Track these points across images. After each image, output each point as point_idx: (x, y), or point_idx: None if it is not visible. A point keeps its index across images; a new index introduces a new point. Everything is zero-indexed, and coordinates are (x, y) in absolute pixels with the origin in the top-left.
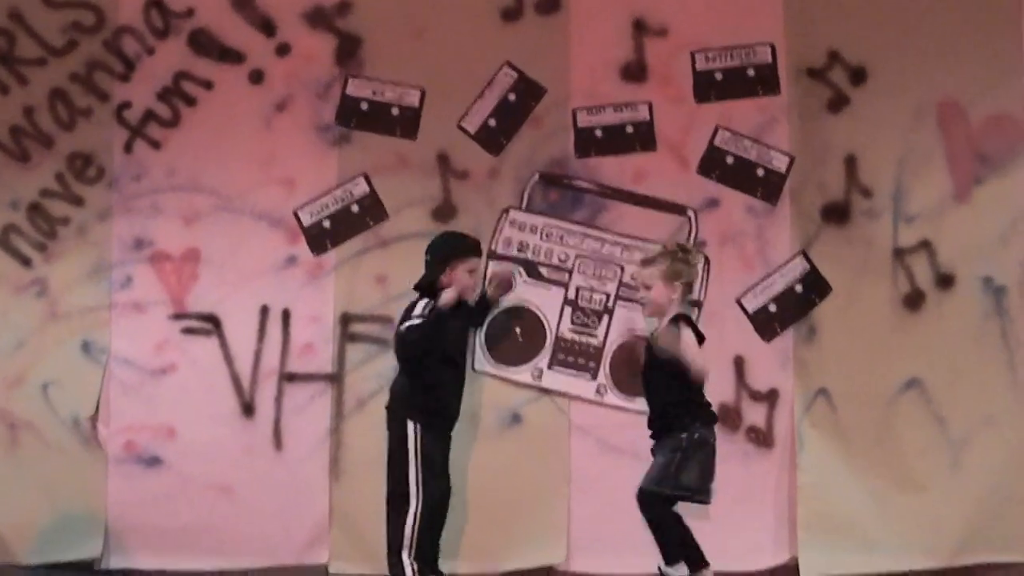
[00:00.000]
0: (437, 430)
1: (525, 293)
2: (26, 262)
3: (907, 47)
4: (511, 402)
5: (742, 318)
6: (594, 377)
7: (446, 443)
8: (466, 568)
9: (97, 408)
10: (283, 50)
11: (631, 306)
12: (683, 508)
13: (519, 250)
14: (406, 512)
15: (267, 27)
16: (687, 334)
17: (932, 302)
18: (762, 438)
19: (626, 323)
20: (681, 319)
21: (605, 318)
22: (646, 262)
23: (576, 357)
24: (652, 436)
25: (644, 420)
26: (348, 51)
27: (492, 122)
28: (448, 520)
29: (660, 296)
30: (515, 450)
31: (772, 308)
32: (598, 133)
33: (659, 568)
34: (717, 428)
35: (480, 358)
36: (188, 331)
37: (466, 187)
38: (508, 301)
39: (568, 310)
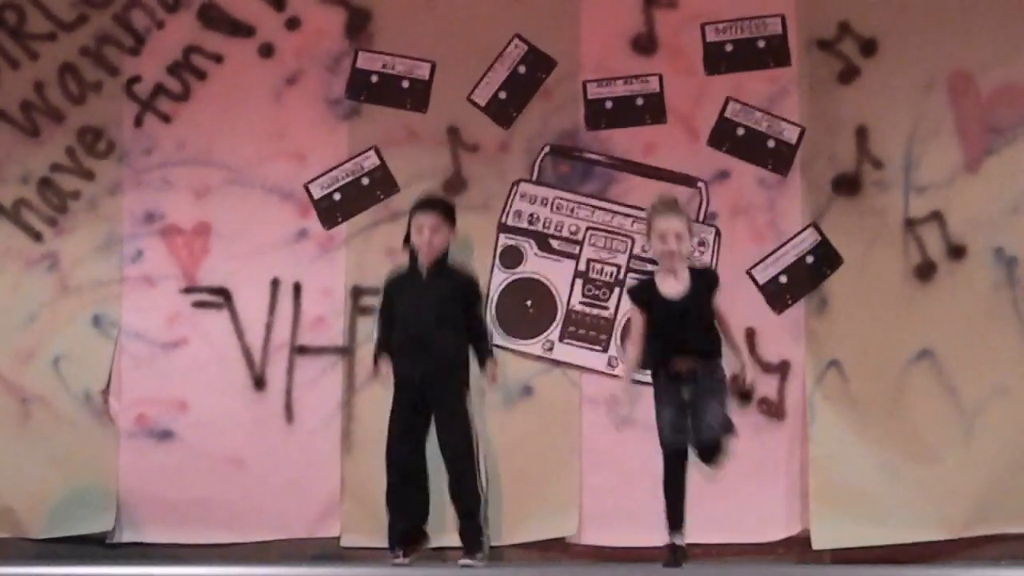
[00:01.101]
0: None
1: (536, 266)
2: (37, 236)
3: (917, 18)
4: (522, 374)
5: (753, 290)
6: (605, 349)
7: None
8: None
9: (108, 382)
10: (293, 24)
11: (642, 278)
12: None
13: (530, 223)
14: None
15: (277, 1)
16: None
17: (943, 273)
18: (773, 410)
19: None
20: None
21: (616, 290)
22: (669, 212)
23: (587, 329)
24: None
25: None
26: (358, 24)
27: (502, 95)
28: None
29: (687, 248)
30: (526, 422)
31: (783, 280)
32: (608, 105)
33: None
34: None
35: (491, 330)
36: (199, 305)
37: (476, 160)
38: (519, 274)
39: (579, 282)
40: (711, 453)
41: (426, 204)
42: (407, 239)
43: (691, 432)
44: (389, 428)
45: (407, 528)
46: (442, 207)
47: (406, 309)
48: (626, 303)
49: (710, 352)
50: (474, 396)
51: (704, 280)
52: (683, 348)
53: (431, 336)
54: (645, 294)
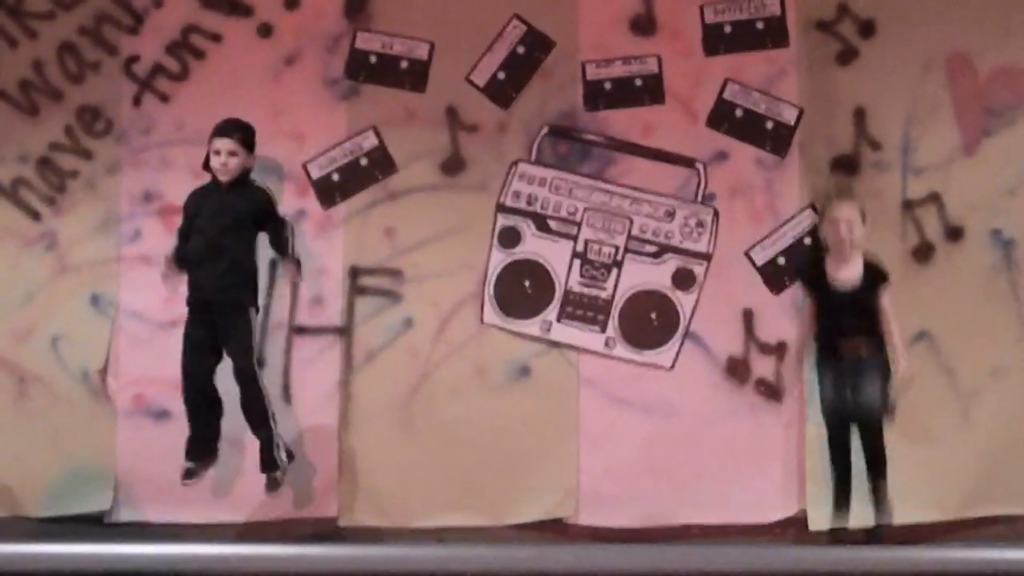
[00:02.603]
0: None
1: (534, 246)
2: (35, 215)
3: (915, 0)
4: (520, 355)
5: (751, 271)
6: (603, 330)
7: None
8: (474, 520)
9: (106, 361)
10: (292, 3)
11: (640, 259)
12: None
13: (528, 203)
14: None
15: None
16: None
17: (941, 254)
18: (771, 391)
19: (635, 276)
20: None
21: (614, 271)
22: (844, 198)
23: (585, 310)
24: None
25: (653, 372)
26: (357, 4)
27: (501, 75)
28: (456, 472)
29: (860, 235)
30: (524, 403)
31: (781, 261)
32: (607, 86)
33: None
34: (725, 381)
35: (488, 310)
36: None
37: (475, 140)
38: (517, 254)
39: (577, 263)
40: (871, 432)
41: (223, 129)
42: (206, 164)
43: (852, 411)
44: (184, 340)
45: (199, 440)
46: (238, 133)
47: (204, 221)
48: (624, 284)
49: (876, 336)
50: (472, 376)
51: (876, 277)
52: (851, 333)
53: (227, 244)
54: (814, 278)
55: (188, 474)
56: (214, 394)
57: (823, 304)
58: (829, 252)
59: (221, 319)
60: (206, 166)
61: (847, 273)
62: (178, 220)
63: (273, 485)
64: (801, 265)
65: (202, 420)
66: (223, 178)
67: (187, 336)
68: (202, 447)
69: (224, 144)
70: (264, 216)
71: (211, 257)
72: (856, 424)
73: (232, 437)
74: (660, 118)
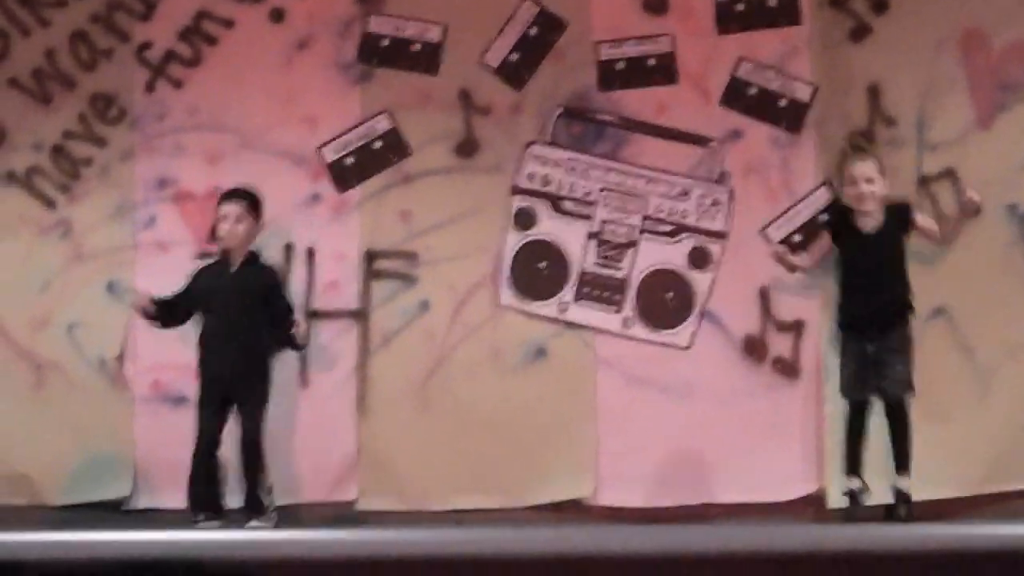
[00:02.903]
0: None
1: (549, 228)
2: (50, 204)
3: None
4: (536, 336)
5: (767, 249)
6: (620, 310)
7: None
8: (493, 503)
9: (123, 348)
10: None
11: (656, 239)
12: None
13: (543, 184)
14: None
15: None
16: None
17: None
18: (788, 369)
19: (651, 256)
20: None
21: (630, 251)
22: (861, 156)
23: (601, 290)
24: (861, 332)
25: (670, 352)
26: None
27: (514, 57)
28: (474, 454)
29: (881, 191)
30: (540, 384)
31: (797, 238)
32: (620, 66)
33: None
34: (743, 359)
35: (505, 292)
36: None
37: (489, 122)
38: (533, 236)
39: (593, 243)
40: (894, 410)
41: (230, 195)
42: (213, 232)
43: (873, 387)
44: (197, 428)
45: (209, 500)
46: (247, 198)
47: (217, 301)
48: (640, 264)
49: (901, 302)
50: (488, 358)
51: (897, 213)
52: (872, 294)
53: (242, 325)
54: (839, 224)
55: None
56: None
57: (846, 258)
58: (853, 210)
59: (238, 399)
60: (212, 237)
61: (870, 219)
62: (192, 206)
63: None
64: (828, 211)
65: (209, 482)
66: (231, 243)
67: (200, 417)
68: (213, 503)
69: (232, 209)
70: (269, 293)
71: (226, 341)
72: (881, 402)
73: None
74: (674, 97)
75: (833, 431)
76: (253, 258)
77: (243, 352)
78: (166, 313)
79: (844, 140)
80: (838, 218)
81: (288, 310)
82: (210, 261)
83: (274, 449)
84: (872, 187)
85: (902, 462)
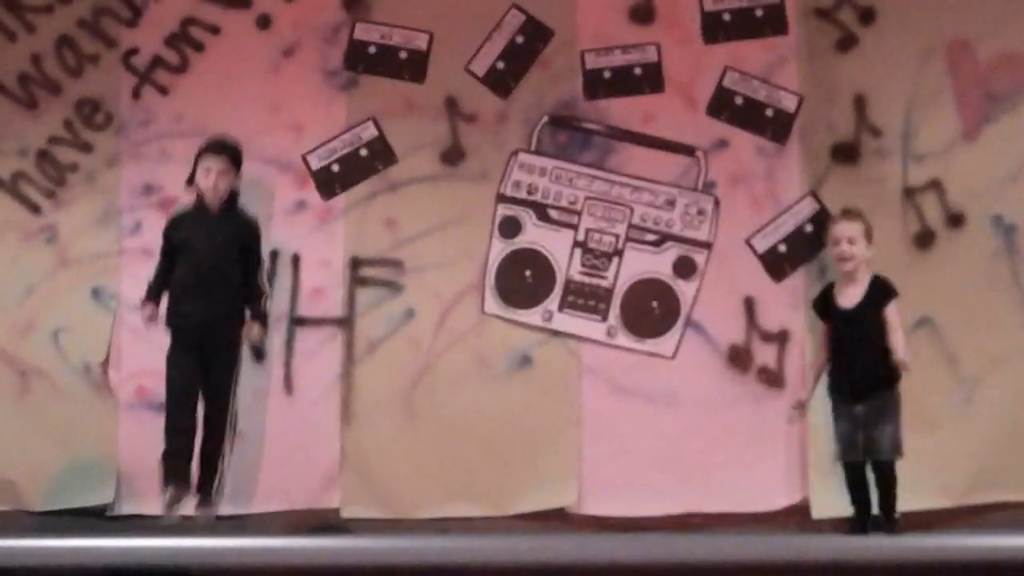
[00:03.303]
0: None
1: (535, 236)
2: (35, 209)
3: None
4: (521, 344)
5: (752, 259)
6: (604, 319)
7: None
8: (476, 511)
9: (108, 354)
10: None
11: (641, 248)
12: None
13: (528, 193)
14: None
15: None
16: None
17: (942, 241)
18: (773, 379)
19: (636, 265)
20: (893, 289)
21: (615, 260)
22: (847, 217)
23: (586, 299)
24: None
25: (654, 361)
26: None
27: (500, 65)
28: (458, 462)
29: (863, 252)
30: (525, 392)
31: (782, 248)
32: (606, 75)
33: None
34: (727, 369)
35: (489, 300)
36: None
37: (474, 130)
38: (518, 244)
39: (578, 252)
40: (883, 471)
41: (213, 147)
42: (191, 179)
43: (862, 449)
44: (168, 369)
45: (178, 469)
46: (230, 151)
47: (194, 247)
48: (625, 273)
49: (883, 373)
50: (473, 366)
51: (879, 289)
52: (857, 351)
53: (221, 272)
54: (822, 304)
55: (171, 502)
56: (194, 424)
57: (832, 330)
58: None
59: (209, 350)
60: (190, 182)
61: (853, 290)
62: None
63: (204, 506)
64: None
65: (186, 445)
66: (212, 197)
67: (172, 365)
68: (184, 472)
69: (215, 163)
70: (249, 247)
71: (203, 286)
72: (869, 462)
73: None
74: (660, 107)
75: (817, 442)
76: (232, 204)
77: (219, 298)
78: (161, 286)
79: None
80: (822, 297)
81: (260, 263)
82: (184, 210)
83: (257, 455)
84: (853, 248)
85: (889, 515)
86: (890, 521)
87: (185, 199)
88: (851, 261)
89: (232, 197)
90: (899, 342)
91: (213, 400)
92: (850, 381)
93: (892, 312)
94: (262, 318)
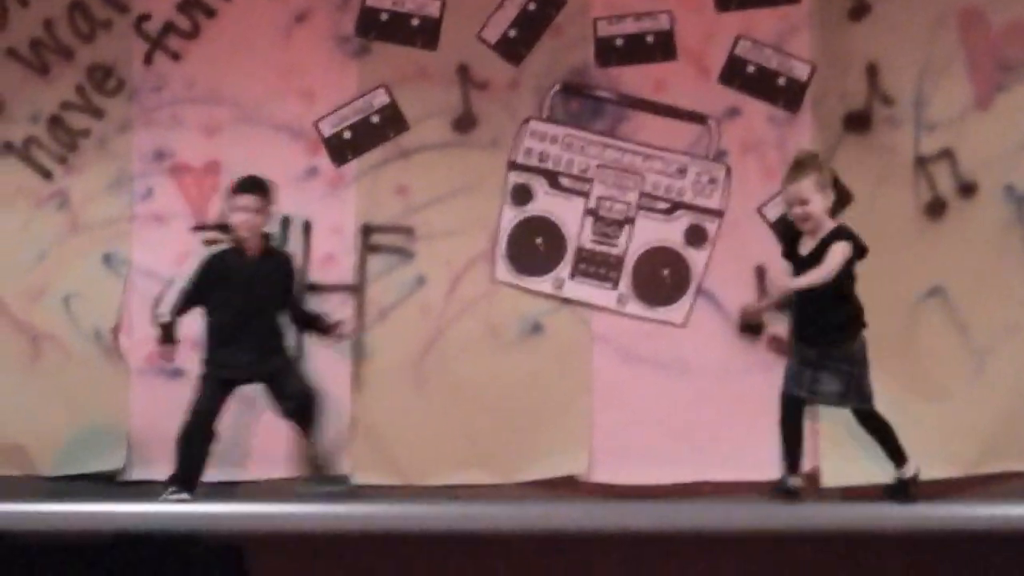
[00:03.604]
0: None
1: (546, 204)
2: (47, 174)
3: None
4: (532, 312)
5: (763, 227)
6: (615, 287)
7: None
8: (486, 478)
9: (119, 320)
10: None
11: (652, 216)
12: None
13: (540, 160)
14: None
15: None
16: (841, 249)
17: (954, 210)
18: (784, 347)
19: (647, 233)
20: (846, 233)
21: (626, 228)
22: (794, 175)
23: (597, 267)
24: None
25: (665, 329)
26: None
27: (512, 32)
28: (468, 430)
29: (819, 208)
30: (536, 360)
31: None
32: (619, 43)
33: (897, 479)
34: (738, 337)
35: (501, 268)
36: (210, 243)
37: (486, 98)
38: (529, 212)
39: (589, 220)
40: (863, 419)
41: (245, 186)
42: (224, 226)
43: (807, 389)
44: (195, 408)
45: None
46: (262, 189)
47: (233, 292)
48: (636, 241)
49: (841, 325)
50: (484, 333)
51: (832, 237)
52: (809, 313)
53: (264, 315)
54: (788, 246)
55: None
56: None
57: (794, 272)
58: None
59: (266, 381)
60: (223, 228)
61: (811, 241)
62: (189, 178)
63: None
64: (778, 235)
65: (200, 459)
66: (246, 234)
67: (201, 404)
68: (193, 482)
69: (249, 201)
70: (288, 286)
71: (246, 332)
72: (859, 422)
73: (245, 395)
74: (672, 75)
75: (828, 411)
76: (268, 245)
77: (259, 344)
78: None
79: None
80: (786, 235)
81: (301, 295)
82: (221, 249)
83: (268, 422)
84: (807, 208)
85: (895, 457)
86: (899, 462)
87: (199, 160)
88: (808, 221)
89: (267, 241)
90: (814, 274)
91: (301, 401)
92: (803, 327)
93: (835, 249)
94: (332, 329)
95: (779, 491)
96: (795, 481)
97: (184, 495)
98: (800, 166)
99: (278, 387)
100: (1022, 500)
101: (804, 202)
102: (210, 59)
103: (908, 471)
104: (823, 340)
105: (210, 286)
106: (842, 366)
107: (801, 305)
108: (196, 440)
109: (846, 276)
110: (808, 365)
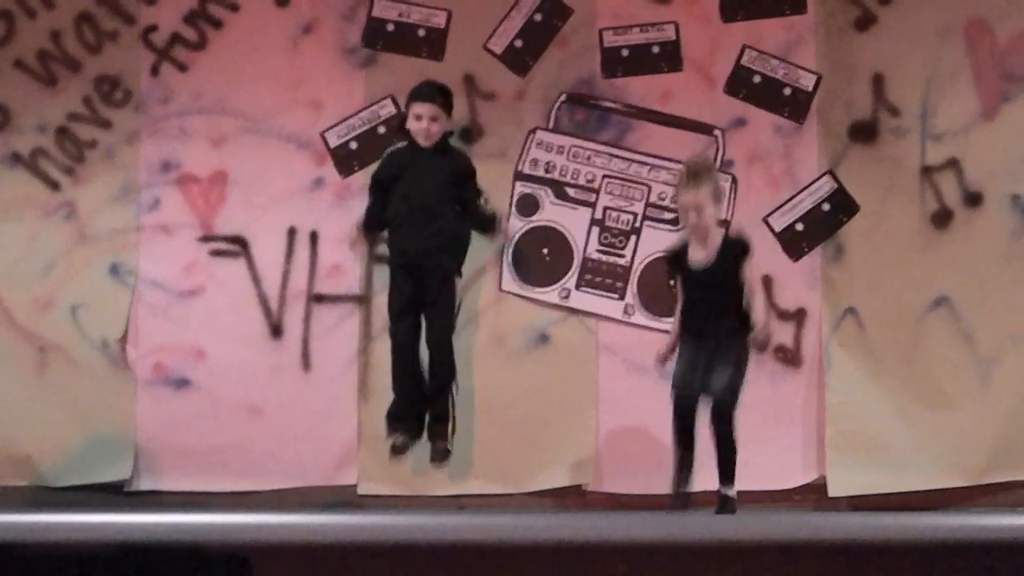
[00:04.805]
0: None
1: (552, 214)
2: (54, 185)
3: None
4: (538, 322)
5: (769, 237)
6: (622, 297)
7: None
8: (493, 488)
9: (126, 330)
10: None
11: (659, 226)
12: None
13: (546, 171)
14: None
15: None
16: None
17: (960, 220)
18: (790, 357)
19: (654, 243)
20: (745, 247)
21: (632, 238)
22: (692, 184)
23: (603, 277)
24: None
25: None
26: None
27: (518, 43)
28: (474, 440)
29: (711, 219)
30: (542, 370)
31: (799, 227)
32: (624, 53)
33: (721, 492)
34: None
35: (507, 278)
36: (216, 253)
37: (493, 108)
38: (536, 222)
39: (595, 230)
40: (719, 416)
41: (425, 95)
42: (402, 126)
43: (699, 387)
44: (389, 305)
45: (406, 407)
46: (440, 97)
47: (407, 184)
48: (642, 251)
49: (732, 326)
50: (490, 344)
51: (731, 249)
52: (710, 312)
53: (435, 210)
54: (675, 262)
55: (398, 450)
56: (419, 365)
57: (684, 290)
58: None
59: (426, 284)
60: (402, 128)
61: (702, 253)
62: (196, 189)
63: (440, 456)
64: (667, 251)
65: (411, 390)
66: (425, 143)
67: (392, 302)
68: (413, 420)
69: (427, 109)
70: (464, 183)
71: (418, 221)
72: (708, 405)
73: (251, 406)
74: (678, 85)
75: (835, 420)
76: (445, 144)
77: (433, 231)
78: (376, 226)
79: (687, 163)
80: (675, 252)
81: (478, 195)
82: (396, 148)
83: (274, 432)
84: (701, 217)
85: (726, 471)
86: (728, 479)
87: (206, 171)
88: (701, 229)
89: (444, 137)
90: (753, 305)
91: (437, 339)
92: (701, 324)
93: (747, 272)
94: (497, 222)
95: (679, 502)
96: (731, 491)
97: (403, 439)
98: (696, 175)
99: (431, 300)
100: None
101: (699, 209)
102: (217, 70)
103: (733, 491)
104: (722, 332)
105: (391, 178)
106: (731, 356)
107: (696, 318)
108: (401, 352)
109: (738, 286)
110: (699, 364)
